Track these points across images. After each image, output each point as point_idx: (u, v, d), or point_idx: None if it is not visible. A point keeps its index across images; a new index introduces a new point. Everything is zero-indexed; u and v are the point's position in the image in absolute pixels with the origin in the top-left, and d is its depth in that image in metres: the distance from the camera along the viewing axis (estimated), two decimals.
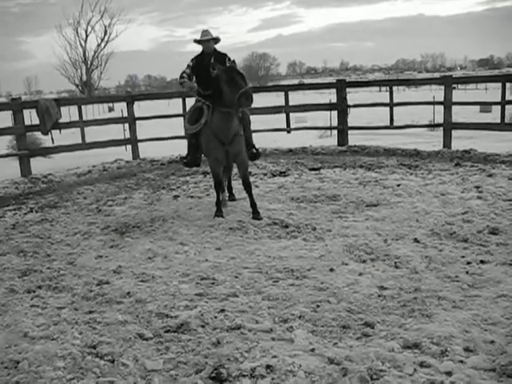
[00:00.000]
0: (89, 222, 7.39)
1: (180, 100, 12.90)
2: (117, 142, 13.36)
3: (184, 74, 7.51)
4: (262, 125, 12.00)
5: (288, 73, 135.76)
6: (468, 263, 5.20)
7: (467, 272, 4.98)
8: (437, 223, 6.49)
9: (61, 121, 12.07)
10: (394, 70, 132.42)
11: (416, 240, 5.93)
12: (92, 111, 42.32)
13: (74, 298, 4.84)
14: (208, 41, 7.48)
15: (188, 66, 7.54)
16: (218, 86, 6.79)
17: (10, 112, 11.94)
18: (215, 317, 4.28)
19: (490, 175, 8.91)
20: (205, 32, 7.51)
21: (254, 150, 7.65)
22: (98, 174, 11.28)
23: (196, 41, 7.57)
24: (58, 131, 11.89)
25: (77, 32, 53.04)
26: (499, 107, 11.43)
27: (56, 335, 4.11)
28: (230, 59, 7.34)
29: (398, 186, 8.45)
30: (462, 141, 12.68)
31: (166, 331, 4.11)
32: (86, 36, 53.52)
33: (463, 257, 5.37)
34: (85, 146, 12.46)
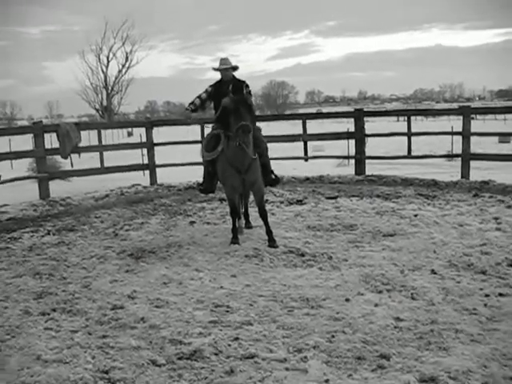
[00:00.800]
0: (105, 246, 7.41)
1: (198, 127, 13.01)
2: (135, 167, 13.47)
3: (197, 99, 7.59)
4: (279, 153, 12.03)
5: (306, 101, 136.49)
6: (486, 296, 5.12)
7: (485, 305, 4.90)
8: (454, 254, 6.41)
9: (80, 145, 12.22)
10: (413, 100, 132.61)
11: (433, 271, 5.85)
12: (111, 136, 42.78)
13: (88, 322, 4.84)
14: (226, 69, 7.56)
15: (206, 90, 7.61)
16: (227, 115, 6.89)
17: (31, 135, 12.13)
18: (229, 345, 4.25)
19: (509, 206, 8.82)
20: (223, 60, 7.59)
21: (273, 176, 7.69)
22: (116, 198, 11.35)
23: (215, 69, 7.65)
24: (77, 155, 12.02)
25: (99, 58, 54.19)
26: None
27: (69, 359, 4.10)
28: (247, 86, 7.43)
29: (416, 216, 8.39)
30: (480, 171, 12.59)
31: (179, 358, 4.08)
32: (108, 62, 54.61)
33: (481, 289, 5.29)
34: (103, 170, 12.58)
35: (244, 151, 6.82)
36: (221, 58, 7.68)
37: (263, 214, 7.26)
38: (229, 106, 6.84)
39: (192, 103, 7.61)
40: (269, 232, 7.15)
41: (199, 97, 7.62)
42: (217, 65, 7.65)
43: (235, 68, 7.66)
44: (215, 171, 7.51)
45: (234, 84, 7.49)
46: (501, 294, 5.13)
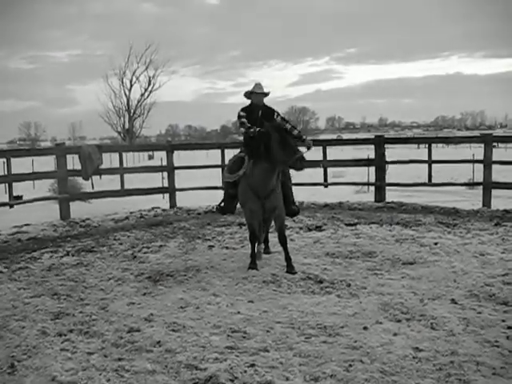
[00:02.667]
0: (123, 268, 7.43)
1: (219, 151, 13.09)
2: (155, 190, 13.57)
3: (243, 119, 7.37)
4: (299, 178, 12.00)
5: (327, 127, 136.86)
6: (508, 328, 5.01)
7: (508, 337, 4.79)
8: (475, 284, 6.31)
9: (102, 167, 12.35)
10: (434, 127, 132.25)
11: (453, 301, 5.76)
12: (132, 158, 43.19)
13: (104, 344, 4.83)
14: (260, 94, 7.53)
15: (240, 115, 7.42)
16: (266, 143, 6.82)
17: (54, 156, 12.29)
18: (245, 371, 4.21)
19: None
20: (258, 85, 7.54)
21: (295, 208, 7.67)
22: (135, 220, 11.41)
23: (249, 92, 7.56)
24: (98, 177, 12.15)
25: (122, 82, 54.91)
26: None
27: (84, 381, 4.09)
28: (278, 114, 7.51)
29: (436, 244, 8.30)
30: (502, 200, 12.44)
31: (194, 383, 4.04)
32: (131, 86, 55.29)
33: (503, 321, 5.18)
34: (123, 192, 12.67)
35: (268, 178, 6.95)
36: (256, 82, 7.61)
37: (283, 240, 7.23)
38: (273, 134, 6.78)
39: (244, 124, 7.33)
40: (288, 258, 7.11)
41: (242, 117, 7.39)
42: (249, 89, 7.60)
43: (267, 94, 7.63)
44: (236, 194, 7.53)
45: (265, 110, 7.48)
46: None
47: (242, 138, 7.87)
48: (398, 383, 3.98)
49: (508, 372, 4.14)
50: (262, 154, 6.90)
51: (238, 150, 7.85)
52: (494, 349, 4.56)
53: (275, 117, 7.40)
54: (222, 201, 7.95)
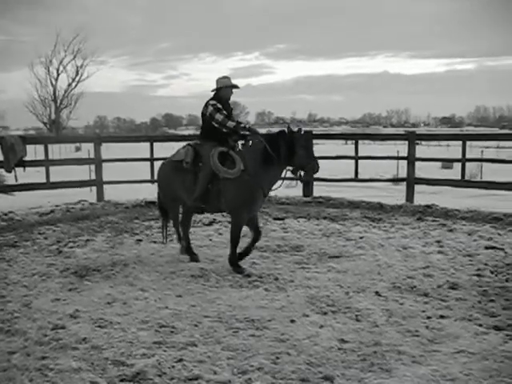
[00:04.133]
0: (48, 264, 7.23)
1: (148, 144, 12.93)
2: (82, 183, 13.22)
3: (222, 115, 6.99)
4: None
5: (257, 122, 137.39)
6: (428, 318, 5.24)
7: (427, 327, 5.01)
8: (398, 277, 6.54)
9: (26, 158, 11.92)
10: (361, 124, 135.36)
11: (377, 293, 5.95)
12: (58, 150, 41.94)
13: (27, 343, 4.68)
14: (232, 87, 7.29)
15: (218, 107, 7.02)
16: (290, 145, 6.76)
17: None
18: (173, 366, 4.20)
19: (451, 230, 9.09)
20: (228, 79, 7.24)
21: None
22: (61, 214, 11.09)
23: (231, 86, 7.23)
24: (22, 169, 11.73)
25: (48, 70, 53.15)
26: (460, 164, 11.73)
27: (4, 382, 3.95)
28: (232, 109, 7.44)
29: (361, 238, 8.53)
30: (424, 196, 12.91)
31: (122, 380, 4.00)
32: (58, 75, 53.62)
33: (423, 311, 5.41)
34: (49, 185, 12.27)
35: (278, 177, 7.07)
36: (224, 75, 7.28)
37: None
38: (300, 139, 6.82)
39: (228, 117, 7.02)
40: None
41: (220, 112, 7.00)
42: (218, 82, 7.24)
43: (237, 87, 7.37)
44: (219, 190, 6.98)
45: (229, 105, 7.32)
46: (442, 316, 5.26)
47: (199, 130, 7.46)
48: (324, 374, 4.07)
49: (427, 359, 4.33)
50: (282, 155, 6.79)
51: (185, 143, 7.40)
52: (415, 338, 4.75)
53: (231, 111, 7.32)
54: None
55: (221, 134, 7.08)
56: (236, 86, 7.33)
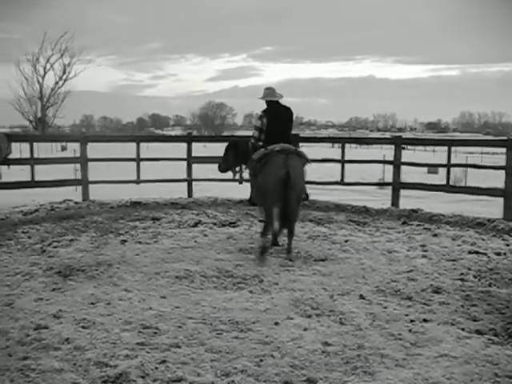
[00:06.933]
0: (31, 263, 7.17)
1: (134, 144, 12.88)
2: (67, 182, 13.14)
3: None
4: (216, 174, 12.03)
5: (244, 124, 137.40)
6: (411, 321, 5.26)
7: (410, 330, 5.03)
8: (382, 280, 6.57)
9: (11, 156, 11.82)
10: (348, 128, 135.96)
11: (361, 296, 5.97)
12: (44, 149, 41.63)
13: (9, 343, 4.64)
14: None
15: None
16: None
17: None
18: (156, 368, 4.18)
19: (435, 235, 9.15)
20: (269, 90, 8.25)
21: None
22: (45, 213, 11.01)
23: (270, 99, 8.20)
24: (6, 167, 11.64)
25: (35, 68, 52.90)
26: (445, 169, 11.81)
27: None
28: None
29: (346, 241, 8.56)
30: (410, 200, 12.99)
31: (104, 381, 3.97)
32: (45, 73, 53.38)
33: (407, 315, 5.43)
34: (34, 183, 12.17)
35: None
36: (269, 87, 8.29)
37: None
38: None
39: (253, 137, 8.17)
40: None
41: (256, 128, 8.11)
42: (262, 93, 8.28)
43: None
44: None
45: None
46: (425, 320, 5.29)
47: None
48: (307, 377, 4.08)
49: (409, 363, 4.35)
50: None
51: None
52: (398, 341, 4.77)
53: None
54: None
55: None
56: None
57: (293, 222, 7.80)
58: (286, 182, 7.32)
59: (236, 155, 9.07)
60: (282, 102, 8.22)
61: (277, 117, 8.03)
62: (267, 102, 8.22)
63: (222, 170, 9.44)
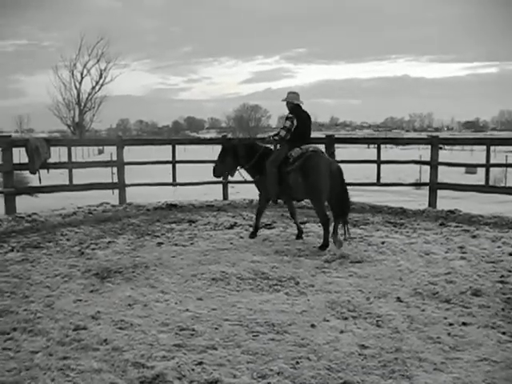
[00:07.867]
0: (70, 265, 7.29)
1: (170, 147, 13.00)
2: (104, 186, 13.34)
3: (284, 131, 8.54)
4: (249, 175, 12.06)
5: (278, 125, 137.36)
6: (450, 324, 5.17)
7: (449, 334, 4.95)
8: (420, 283, 6.48)
9: (50, 161, 12.06)
10: (383, 128, 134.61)
11: (399, 299, 5.90)
12: (81, 152, 42.38)
13: (49, 343, 4.73)
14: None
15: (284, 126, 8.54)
16: None
17: None
18: (192, 369, 4.20)
19: (474, 236, 8.98)
20: (293, 94, 8.67)
21: None
22: (83, 216, 11.21)
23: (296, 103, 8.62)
24: (45, 171, 11.87)
25: (72, 74, 53.92)
26: (484, 169, 11.60)
27: (27, 381, 3.99)
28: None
29: (383, 243, 8.47)
30: (447, 200, 12.79)
31: (142, 382, 4.01)
32: (82, 78, 54.36)
33: (445, 318, 5.34)
34: (72, 187, 12.40)
35: None
36: (292, 91, 8.71)
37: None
38: None
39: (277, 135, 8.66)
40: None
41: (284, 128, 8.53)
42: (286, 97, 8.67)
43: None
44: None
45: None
46: (464, 323, 5.19)
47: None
48: (344, 380, 4.04)
49: (448, 367, 4.27)
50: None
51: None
52: (436, 345, 4.70)
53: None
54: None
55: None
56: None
57: (348, 213, 8.56)
58: (340, 176, 8.19)
59: (235, 159, 9.08)
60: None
61: (303, 119, 8.48)
62: (292, 105, 8.56)
63: (218, 174, 9.36)
